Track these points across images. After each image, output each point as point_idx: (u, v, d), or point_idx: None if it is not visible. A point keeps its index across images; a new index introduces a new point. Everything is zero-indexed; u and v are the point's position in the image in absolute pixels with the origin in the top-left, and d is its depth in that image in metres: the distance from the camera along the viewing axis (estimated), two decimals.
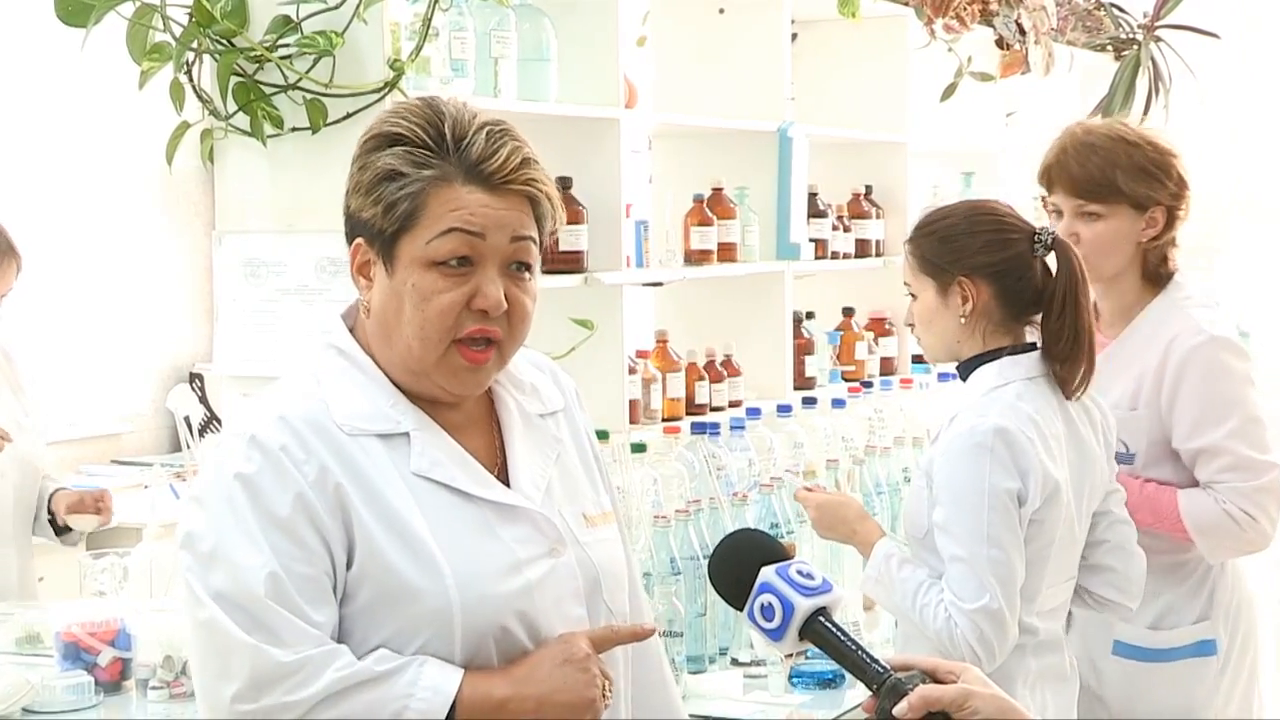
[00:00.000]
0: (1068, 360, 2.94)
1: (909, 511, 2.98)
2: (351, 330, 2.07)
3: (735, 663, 3.33)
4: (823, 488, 3.35)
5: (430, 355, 1.98)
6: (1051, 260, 2.94)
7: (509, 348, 2.03)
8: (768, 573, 1.85)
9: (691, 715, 2.97)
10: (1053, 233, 2.96)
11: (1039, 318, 2.97)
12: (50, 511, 4.00)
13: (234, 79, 3.28)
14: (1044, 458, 2.87)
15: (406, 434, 2.00)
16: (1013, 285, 2.94)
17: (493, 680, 1.95)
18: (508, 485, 2.05)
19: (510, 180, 1.98)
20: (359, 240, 2.02)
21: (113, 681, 3.08)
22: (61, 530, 4.02)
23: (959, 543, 2.83)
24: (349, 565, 1.94)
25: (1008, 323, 2.97)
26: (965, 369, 2.99)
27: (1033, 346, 2.98)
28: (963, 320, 2.95)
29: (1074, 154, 3.33)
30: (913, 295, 3.01)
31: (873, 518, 3.10)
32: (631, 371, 3.92)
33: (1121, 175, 3.29)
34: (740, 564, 1.88)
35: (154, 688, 3.03)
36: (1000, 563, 2.82)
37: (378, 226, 1.99)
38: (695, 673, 3.26)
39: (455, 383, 2.01)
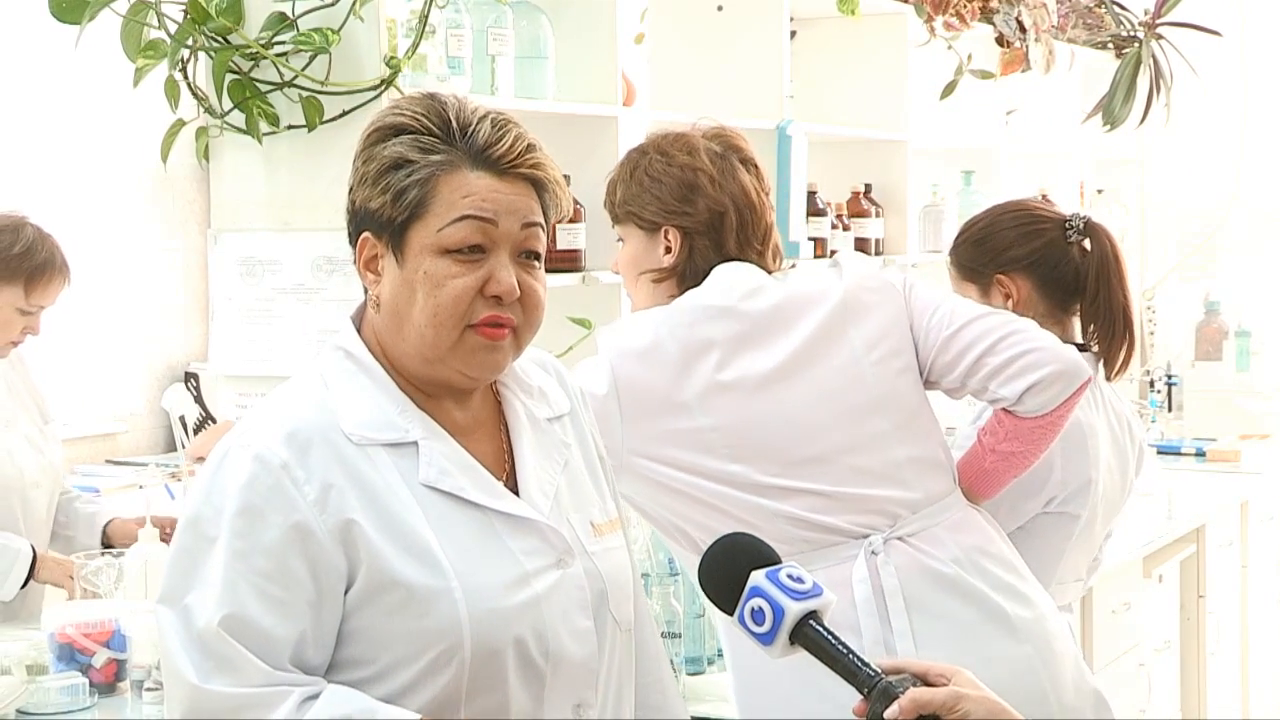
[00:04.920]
0: (1109, 337, 2.97)
1: None
2: (358, 330, 2.04)
3: None
4: None
5: (445, 341, 1.95)
6: (1089, 245, 2.99)
7: (525, 334, 2.01)
8: (758, 576, 1.83)
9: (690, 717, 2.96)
10: (1085, 217, 3.00)
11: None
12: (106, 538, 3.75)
13: (229, 76, 3.26)
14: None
15: (415, 443, 1.96)
16: (1050, 274, 2.99)
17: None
18: (516, 492, 2.02)
19: (517, 164, 1.97)
20: (366, 234, 1.99)
21: (107, 683, 3.05)
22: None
23: None
24: (349, 588, 1.90)
25: (1054, 313, 3.02)
26: None
27: (1082, 347, 3.00)
28: None
29: None
30: None
31: None
32: None
33: None
34: (730, 567, 1.86)
35: (149, 689, 3.01)
36: None
37: (387, 216, 1.96)
38: (694, 674, 3.24)
39: (473, 364, 1.97)
